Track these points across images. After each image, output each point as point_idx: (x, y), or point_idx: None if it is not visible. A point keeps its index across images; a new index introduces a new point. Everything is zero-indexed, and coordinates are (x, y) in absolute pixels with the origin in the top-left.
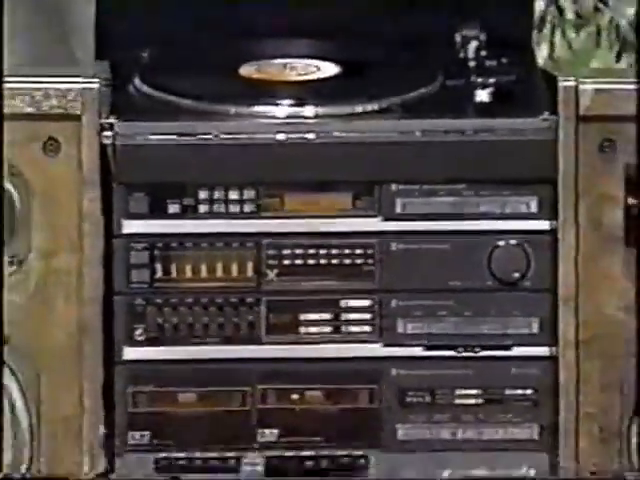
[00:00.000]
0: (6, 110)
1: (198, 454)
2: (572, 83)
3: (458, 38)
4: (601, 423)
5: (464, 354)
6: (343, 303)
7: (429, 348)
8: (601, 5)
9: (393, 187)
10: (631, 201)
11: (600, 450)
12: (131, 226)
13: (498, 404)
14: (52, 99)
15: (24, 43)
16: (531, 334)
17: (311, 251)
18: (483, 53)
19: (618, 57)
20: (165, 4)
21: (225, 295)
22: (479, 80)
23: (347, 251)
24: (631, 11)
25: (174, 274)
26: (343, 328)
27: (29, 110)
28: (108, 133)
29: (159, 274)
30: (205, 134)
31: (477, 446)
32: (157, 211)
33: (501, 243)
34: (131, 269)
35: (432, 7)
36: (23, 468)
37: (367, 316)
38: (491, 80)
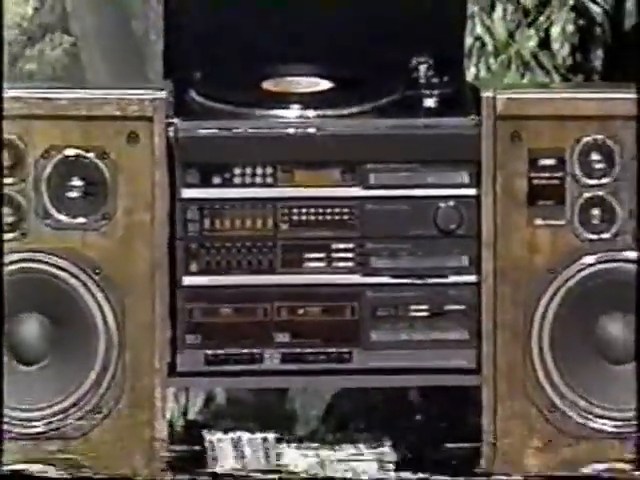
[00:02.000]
0: (100, 113)
1: (233, 350)
2: (491, 94)
3: (413, 63)
4: (511, 329)
5: (417, 281)
6: (333, 246)
7: (393, 277)
8: (510, 40)
9: (369, 166)
10: (530, 175)
11: (510, 347)
12: (187, 193)
13: (440, 315)
14: (133, 105)
15: (113, 67)
16: (463, 267)
17: (312, 210)
18: (430, 73)
19: (522, 76)
20: (212, 38)
21: (252, 240)
22: (427, 92)
23: (337, 210)
24: (533, 43)
25: (217, 226)
26: (333, 263)
27: (117, 113)
28: (171, 129)
29: (206, 226)
30: (238, 129)
31: (426, 345)
32: (205, 182)
33: (442, 204)
34: (187, 222)
35: (397, 43)
36: (111, 367)
37: (350, 255)
38: (435, 92)
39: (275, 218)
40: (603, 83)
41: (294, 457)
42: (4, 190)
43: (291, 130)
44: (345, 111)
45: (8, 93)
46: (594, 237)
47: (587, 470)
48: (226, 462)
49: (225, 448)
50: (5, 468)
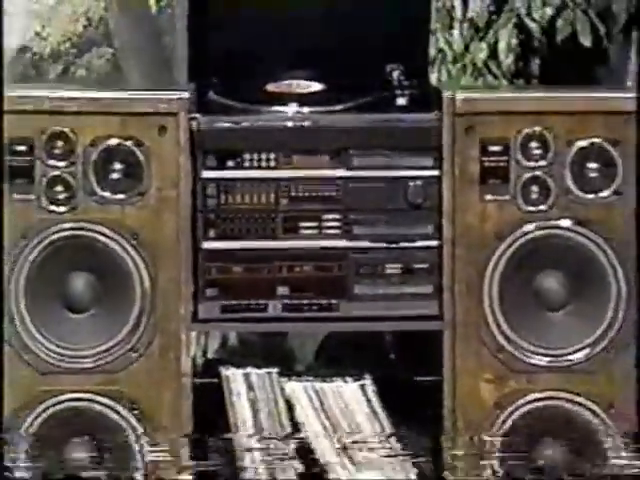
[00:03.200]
0: (136, 110)
1: (244, 301)
2: (450, 94)
3: (388, 69)
4: (466, 284)
5: (391, 245)
6: (323, 217)
7: (372, 242)
8: (466, 52)
9: (352, 152)
10: (482, 159)
11: (466, 299)
12: (206, 174)
13: (410, 273)
14: (163, 104)
15: (147, 73)
16: (427, 233)
17: (307, 187)
18: (401, 78)
19: (475, 80)
20: (226, 50)
21: (258, 212)
22: (399, 93)
23: (326, 187)
24: (483, 54)
25: (230, 200)
26: (323, 231)
27: (150, 110)
28: (194, 123)
29: (222, 200)
30: (247, 122)
31: (399, 297)
32: (220, 165)
33: (411, 183)
34: (206, 198)
35: (375, 54)
36: (147, 309)
37: (337, 224)
38: (406, 93)
39: (277, 194)
40: (540, 85)
41: (293, 387)
42: (58, 172)
43: (289, 123)
44: (333, 108)
45: (64, 94)
46: (533, 209)
47: (529, 398)
48: (240, 397)
49: (237, 381)
50: (62, 397)
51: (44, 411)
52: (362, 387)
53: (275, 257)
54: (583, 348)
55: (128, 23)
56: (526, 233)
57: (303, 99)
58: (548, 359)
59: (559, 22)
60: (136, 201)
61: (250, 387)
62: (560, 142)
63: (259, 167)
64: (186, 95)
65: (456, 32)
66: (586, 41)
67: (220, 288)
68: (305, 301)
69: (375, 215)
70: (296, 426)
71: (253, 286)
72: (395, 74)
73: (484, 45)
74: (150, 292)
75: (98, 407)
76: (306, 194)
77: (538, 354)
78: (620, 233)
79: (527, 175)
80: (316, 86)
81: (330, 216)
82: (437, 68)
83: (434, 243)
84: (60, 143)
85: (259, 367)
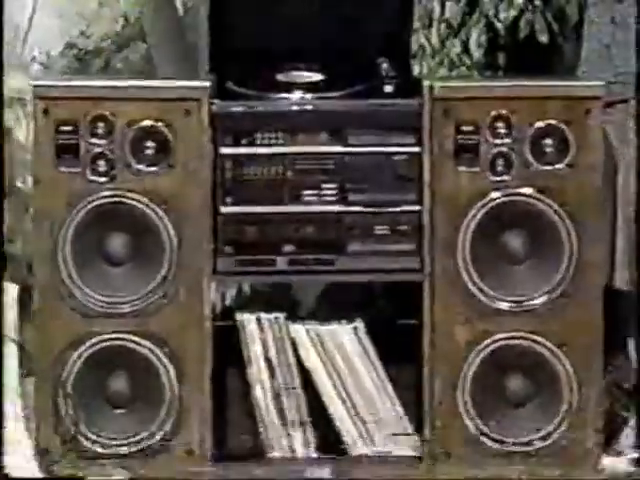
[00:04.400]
0: (166, 96)
1: (256, 257)
2: (429, 83)
3: (377, 62)
4: (443, 242)
5: (380, 210)
6: (323, 186)
7: (364, 207)
8: (442, 47)
9: (347, 131)
10: (456, 138)
11: (443, 255)
12: (224, 150)
13: (396, 233)
14: (188, 91)
15: (175, 65)
16: (411, 200)
17: (309, 162)
18: (389, 69)
19: (450, 71)
20: (242, 45)
21: (267, 182)
22: (387, 82)
23: (325, 161)
24: (457, 49)
25: (244, 172)
26: (323, 198)
27: (177, 96)
28: (214, 107)
29: (237, 172)
30: (259, 107)
31: (387, 253)
32: (236, 143)
33: (397, 157)
34: (225, 170)
35: (367, 49)
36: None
37: (334, 192)
38: (392, 82)
39: (283, 167)
40: (505, 76)
41: (297, 329)
42: (100, 149)
43: (294, 107)
44: (331, 94)
45: (104, 83)
46: (499, 179)
47: (495, 337)
48: (253, 337)
49: (250, 323)
50: (103, 337)
51: (87, 349)
52: (354, 329)
53: (282, 220)
54: (541, 295)
55: (159, 23)
56: (493, 199)
57: (306, 87)
58: (512, 305)
59: (521, 22)
60: (165, 173)
61: (261, 329)
62: (522, 123)
63: (269, 144)
64: (207, 84)
65: (434, 31)
66: (544, 38)
67: (236, 246)
68: (307, 257)
69: (366, 184)
70: (299, 361)
71: (263, 244)
72: (383, 66)
73: (458, 42)
74: (177, 249)
75: (133, 346)
76: (308, 167)
77: (503, 300)
78: (572, 199)
79: (494, 151)
80: (317, 76)
81: (328, 185)
82: (418, 61)
83: (416, 208)
84: (101, 124)
85: (268, 312)
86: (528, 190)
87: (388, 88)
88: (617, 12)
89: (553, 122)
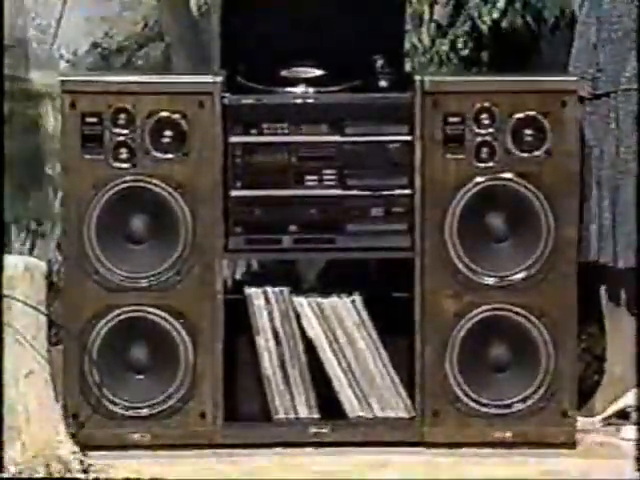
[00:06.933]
0: (182, 90)
1: (263, 236)
2: (420, 78)
3: (373, 59)
4: (432, 222)
5: (375, 194)
6: (324, 171)
7: (361, 191)
8: (432, 46)
9: (346, 122)
10: (444, 128)
11: (432, 234)
12: (234, 139)
13: (390, 214)
14: (202, 85)
15: (190, 62)
16: (403, 184)
17: (311, 150)
18: (384, 66)
19: (439, 67)
20: (250, 45)
21: (273, 168)
22: (382, 77)
23: (326, 149)
24: (446, 47)
25: (252, 159)
26: (324, 182)
27: (192, 90)
28: (225, 100)
29: (246, 159)
30: (265, 100)
31: (381, 233)
32: (245, 132)
33: (390, 146)
34: (235, 157)
35: (364, 48)
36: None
37: (334, 177)
38: (387, 77)
39: (288, 154)
40: (489, 72)
41: (300, 302)
42: (122, 138)
43: (298, 100)
44: (331, 89)
45: (126, 79)
46: (483, 165)
47: (480, 309)
48: (260, 309)
49: (258, 297)
50: (124, 309)
51: (110, 320)
52: (353, 302)
53: (287, 202)
54: (522, 271)
55: (176, 24)
56: (478, 183)
57: (308, 82)
58: (495, 279)
59: (503, 23)
60: (181, 160)
61: (268, 301)
62: (503, 114)
63: (275, 134)
64: (219, 79)
65: (425, 31)
66: (524, 38)
67: (245, 226)
68: (310, 236)
69: (363, 170)
70: (303, 331)
71: (270, 224)
72: (379, 63)
73: (446, 41)
74: (192, 229)
75: (152, 317)
76: (310, 154)
77: (488, 275)
78: (549, 183)
79: (478, 139)
80: (318, 72)
81: (329, 171)
82: (411, 59)
83: (408, 191)
84: (123, 116)
85: (274, 286)
86: (509, 175)
87: (383, 83)
88: (602, 12)
89: (532, 113)
